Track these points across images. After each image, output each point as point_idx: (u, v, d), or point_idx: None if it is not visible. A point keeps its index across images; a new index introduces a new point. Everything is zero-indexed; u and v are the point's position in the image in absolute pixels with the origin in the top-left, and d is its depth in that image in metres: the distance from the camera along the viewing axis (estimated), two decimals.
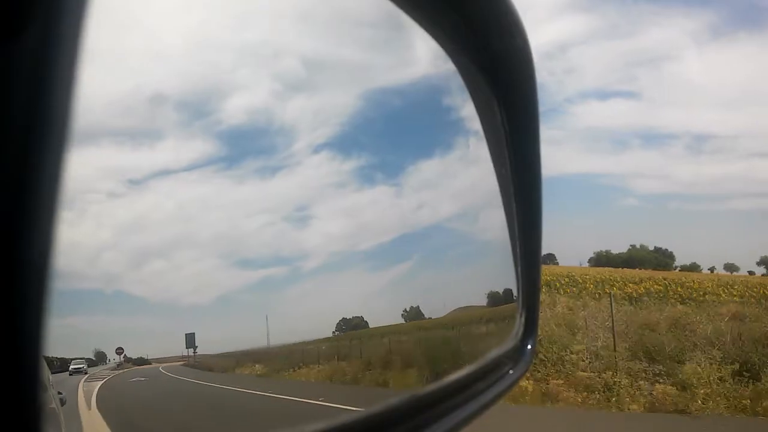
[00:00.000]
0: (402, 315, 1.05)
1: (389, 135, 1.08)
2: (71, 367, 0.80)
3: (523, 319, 0.96)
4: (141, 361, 0.88)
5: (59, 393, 0.87)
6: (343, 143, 0.92)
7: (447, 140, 1.10)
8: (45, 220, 0.26)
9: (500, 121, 0.90)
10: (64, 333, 0.73)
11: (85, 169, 0.69)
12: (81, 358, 0.77)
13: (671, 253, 66.21)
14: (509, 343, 0.94)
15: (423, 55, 0.94)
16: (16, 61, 0.25)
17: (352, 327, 1.01)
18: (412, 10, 0.77)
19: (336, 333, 1.00)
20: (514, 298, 0.99)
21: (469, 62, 0.87)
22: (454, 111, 1.03)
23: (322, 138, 0.87)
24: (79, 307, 0.69)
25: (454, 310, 1.15)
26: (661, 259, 61.42)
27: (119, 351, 0.77)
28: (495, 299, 1.10)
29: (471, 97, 0.94)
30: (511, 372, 0.91)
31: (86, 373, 0.85)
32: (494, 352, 0.92)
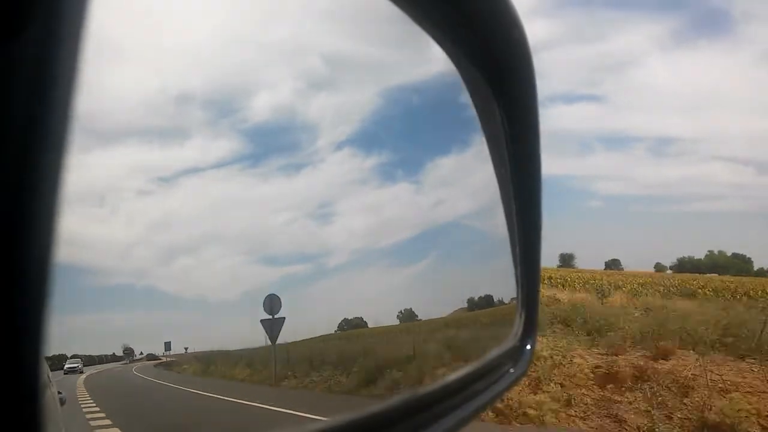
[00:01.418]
0: (418, 312, 1.05)
1: (408, 132, 1.08)
2: (66, 366, 0.80)
3: (522, 319, 0.96)
4: (152, 357, 0.93)
5: (59, 393, 0.88)
6: (364, 140, 0.92)
7: (464, 137, 1.08)
8: (45, 219, 0.26)
9: (500, 121, 0.90)
10: (96, 329, 0.75)
11: (116, 167, 0.70)
12: (76, 357, 0.78)
13: (749, 258, 64.84)
14: (509, 343, 0.93)
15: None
16: (16, 61, 0.25)
17: (353, 326, 1.01)
18: (411, 9, 0.76)
19: (337, 331, 1.00)
20: (514, 297, 0.98)
21: (469, 62, 0.87)
22: (470, 108, 1.02)
23: (344, 135, 0.88)
24: (109, 303, 0.70)
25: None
26: (741, 265, 60.58)
27: (128, 351, 0.79)
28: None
29: (471, 97, 0.93)
30: (511, 372, 0.91)
31: (82, 372, 0.85)
32: (494, 352, 0.91)
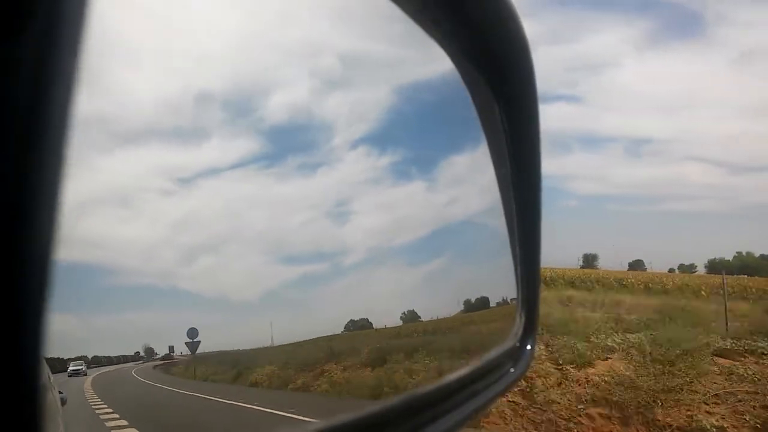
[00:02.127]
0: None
1: (421, 129, 1.08)
2: (70, 368, 0.80)
3: (522, 319, 0.96)
4: (167, 357, 0.95)
5: (60, 393, 0.89)
6: (379, 138, 0.93)
7: (474, 134, 1.07)
8: (45, 219, 0.26)
9: (500, 121, 0.90)
10: (120, 329, 0.75)
11: (138, 168, 0.71)
12: (80, 359, 0.78)
13: None
14: (509, 343, 0.93)
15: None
16: (16, 61, 0.25)
17: (359, 327, 1.00)
18: (411, 9, 0.76)
19: (345, 331, 1.00)
20: (514, 297, 0.98)
21: (469, 62, 0.87)
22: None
23: (359, 133, 0.88)
24: (132, 303, 0.71)
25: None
26: None
27: (149, 351, 0.79)
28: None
29: (471, 97, 0.93)
30: (510, 371, 0.91)
31: (85, 374, 0.85)
32: (494, 352, 0.91)
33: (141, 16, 0.64)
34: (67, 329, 0.66)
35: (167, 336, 0.79)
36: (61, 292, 0.66)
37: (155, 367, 1.31)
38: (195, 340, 0.80)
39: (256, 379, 1.61)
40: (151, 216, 0.70)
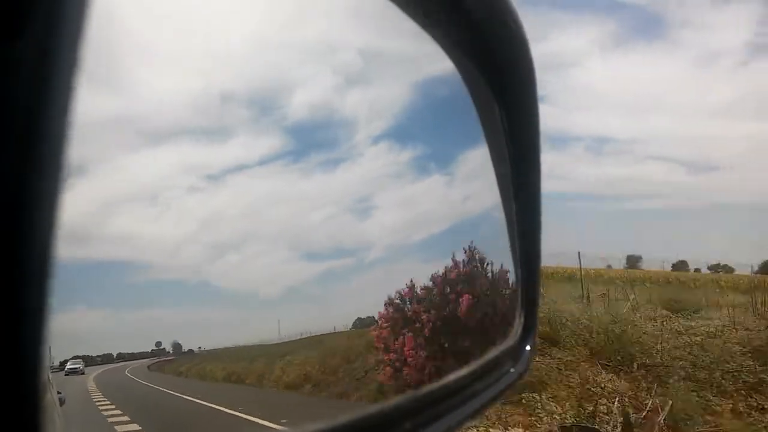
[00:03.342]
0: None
1: (438, 124, 1.07)
2: (68, 367, 0.81)
3: (522, 319, 0.95)
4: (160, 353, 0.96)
5: (59, 393, 0.90)
6: (398, 134, 0.93)
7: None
8: (46, 219, 0.26)
9: (500, 120, 0.89)
10: (148, 325, 0.77)
11: (166, 166, 0.72)
12: (78, 358, 0.79)
13: None
14: (509, 343, 0.92)
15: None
16: (16, 61, 0.25)
17: (366, 325, 0.99)
18: (411, 8, 0.75)
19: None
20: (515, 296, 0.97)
21: (468, 61, 0.86)
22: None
23: (379, 129, 0.88)
24: (159, 299, 0.72)
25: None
26: None
27: (176, 346, 0.80)
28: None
29: (471, 96, 0.92)
30: (510, 371, 0.90)
31: (83, 373, 0.86)
32: (493, 352, 0.90)
33: (165, 18, 0.65)
34: (97, 325, 0.67)
35: (192, 332, 0.80)
36: (90, 288, 0.68)
37: (149, 366, 1.22)
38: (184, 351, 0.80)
39: (290, 380, 1.36)
40: (177, 213, 0.71)
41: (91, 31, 0.47)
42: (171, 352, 0.84)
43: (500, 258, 1.13)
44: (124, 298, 0.72)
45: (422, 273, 0.94)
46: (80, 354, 0.75)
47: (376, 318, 0.89)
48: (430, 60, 0.98)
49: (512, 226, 0.95)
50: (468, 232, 1.06)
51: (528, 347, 0.94)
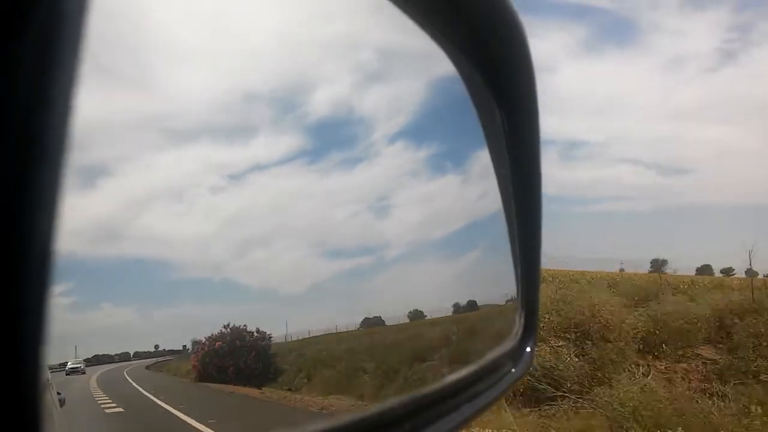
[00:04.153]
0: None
1: (453, 122, 1.06)
2: (68, 366, 0.81)
3: (522, 320, 0.95)
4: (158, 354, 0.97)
5: (58, 393, 0.90)
6: (415, 132, 0.93)
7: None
8: (45, 218, 0.26)
9: (500, 122, 0.89)
10: (175, 322, 0.77)
11: (191, 165, 0.72)
12: (78, 358, 0.79)
13: None
14: (509, 344, 0.92)
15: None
16: (16, 61, 0.25)
17: (371, 324, 0.98)
18: (410, 9, 0.74)
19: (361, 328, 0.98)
20: (514, 298, 0.97)
21: (468, 62, 0.86)
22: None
23: (397, 127, 0.88)
24: (187, 296, 0.72)
25: None
26: None
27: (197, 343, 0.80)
28: None
29: (471, 97, 0.92)
30: (511, 372, 0.90)
31: (83, 373, 0.86)
32: (494, 353, 0.90)
33: (190, 19, 0.66)
34: (128, 323, 0.68)
35: (215, 328, 0.81)
36: (121, 286, 0.68)
37: (148, 367, 1.23)
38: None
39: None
40: (204, 211, 0.71)
41: (118, 33, 0.48)
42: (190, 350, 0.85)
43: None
44: (154, 295, 0.72)
45: (440, 272, 0.94)
46: (101, 353, 0.77)
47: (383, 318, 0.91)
48: (444, 56, 0.98)
49: (512, 227, 0.95)
50: (482, 230, 1.06)
51: (528, 348, 0.94)
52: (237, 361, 1.13)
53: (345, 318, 0.88)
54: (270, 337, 1.01)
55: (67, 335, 0.60)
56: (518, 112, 0.89)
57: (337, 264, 0.78)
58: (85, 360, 0.79)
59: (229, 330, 0.89)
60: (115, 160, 0.60)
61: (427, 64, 0.96)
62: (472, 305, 1.06)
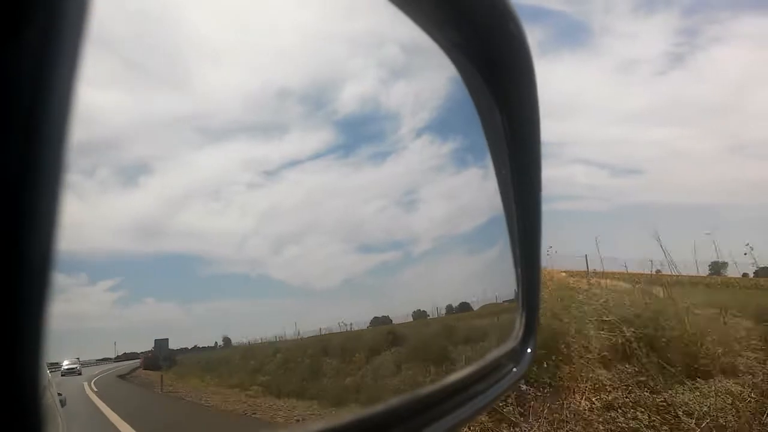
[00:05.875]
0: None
1: (475, 115, 1.04)
2: (64, 367, 0.80)
3: (523, 320, 0.95)
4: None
5: (59, 393, 0.91)
6: (439, 126, 0.94)
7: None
8: (46, 219, 0.26)
9: (500, 122, 0.89)
10: (213, 318, 0.78)
11: (227, 163, 0.74)
12: (75, 358, 0.78)
13: None
14: (509, 344, 0.92)
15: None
16: (16, 61, 0.26)
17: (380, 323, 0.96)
18: (410, 9, 0.72)
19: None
20: (514, 298, 0.97)
21: (468, 62, 0.85)
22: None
23: (422, 122, 0.89)
24: (225, 291, 0.73)
25: None
26: None
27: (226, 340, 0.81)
28: None
29: (471, 98, 0.92)
30: (512, 372, 0.90)
31: (80, 374, 0.85)
32: (494, 353, 0.90)
33: (223, 18, 0.67)
34: (170, 318, 0.69)
35: (252, 324, 0.81)
36: (163, 281, 0.70)
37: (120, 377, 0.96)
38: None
39: None
40: (240, 208, 0.72)
41: (153, 35, 0.49)
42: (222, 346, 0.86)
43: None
44: (193, 290, 0.74)
45: (466, 267, 0.93)
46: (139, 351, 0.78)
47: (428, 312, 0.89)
48: (436, 56, 0.97)
49: (513, 227, 0.94)
50: (504, 224, 1.03)
51: (529, 349, 0.93)
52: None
53: (376, 312, 0.87)
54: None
55: (110, 331, 0.62)
56: (519, 112, 0.89)
57: (368, 259, 0.78)
58: (72, 359, 0.79)
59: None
60: (156, 158, 0.61)
61: (446, 57, 0.95)
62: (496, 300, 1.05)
